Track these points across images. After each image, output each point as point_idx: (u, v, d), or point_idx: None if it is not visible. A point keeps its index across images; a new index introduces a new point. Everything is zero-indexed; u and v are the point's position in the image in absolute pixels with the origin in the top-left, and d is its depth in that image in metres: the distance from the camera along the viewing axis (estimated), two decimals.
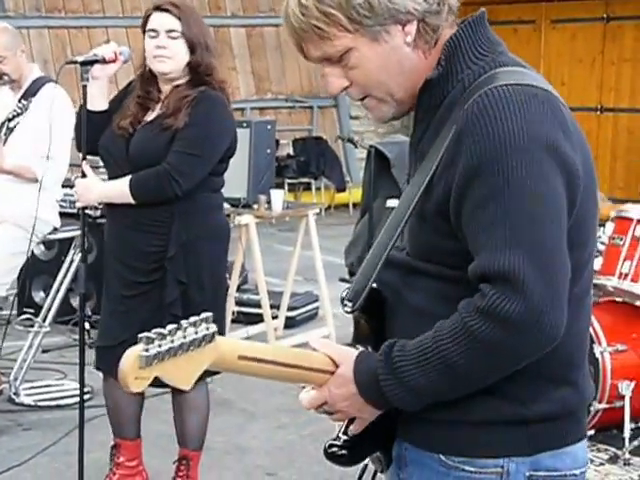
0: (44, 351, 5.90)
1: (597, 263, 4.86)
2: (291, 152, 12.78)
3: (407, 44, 1.80)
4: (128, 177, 3.68)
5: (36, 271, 6.52)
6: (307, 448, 4.63)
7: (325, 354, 1.81)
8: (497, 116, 1.68)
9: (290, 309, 6.80)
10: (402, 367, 1.73)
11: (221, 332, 3.82)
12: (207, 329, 1.64)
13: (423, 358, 1.72)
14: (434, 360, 1.70)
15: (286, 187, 12.37)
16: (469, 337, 1.67)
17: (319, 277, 6.63)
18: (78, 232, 5.25)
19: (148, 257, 3.73)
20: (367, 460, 1.94)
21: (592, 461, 4.67)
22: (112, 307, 3.81)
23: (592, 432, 4.83)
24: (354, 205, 11.75)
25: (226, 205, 5.94)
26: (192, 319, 1.63)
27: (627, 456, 4.62)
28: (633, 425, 4.74)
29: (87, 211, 3.95)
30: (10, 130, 4.92)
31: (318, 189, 12.72)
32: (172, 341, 1.60)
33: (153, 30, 3.69)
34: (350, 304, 1.85)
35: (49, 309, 5.45)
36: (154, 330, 1.58)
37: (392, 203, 5.64)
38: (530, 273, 1.65)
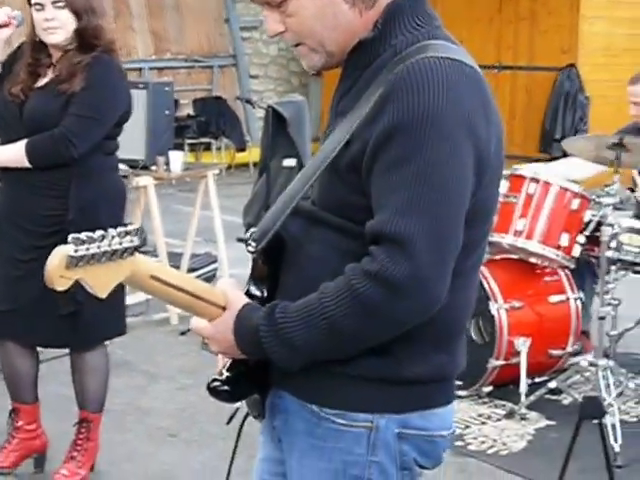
0: None
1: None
2: (191, 112, 12.67)
3: (345, 1, 1.85)
4: (23, 141, 3.67)
5: None
6: (208, 409, 4.62)
7: (223, 290, 1.88)
8: (424, 86, 1.73)
9: (190, 270, 6.77)
10: (285, 326, 1.77)
11: (119, 295, 3.80)
12: (131, 242, 1.69)
13: (307, 318, 1.75)
14: (318, 320, 1.74)
15: (186, 147, 12.27)
16: (354, 299, 1.71)
17: (218, 238, 6.61)
18: None
19: (46, 220, 3.71)
20: (239, 404, 1.99)
21: (490, 417, 4.79)
22: (7, 272, 3.77)
23: (490, 388, 4.95)
24: (254, 164, 11.72)
25: (124, 167, 5.88)
26: (120, 229, 1.68)
27: (523, 411, 4.73)
28: (529, 381, 4.84)
29: None
30: None
31: (218, 149, 12.65)
32: (99, 247, 1.65)
33: (38, 4, 3.68)
34: (254, 244, 1.88)
35: None
36: (84, 233, 1.64)
37: (289, 162, 5.64)
38: (422, 241, 1.69)
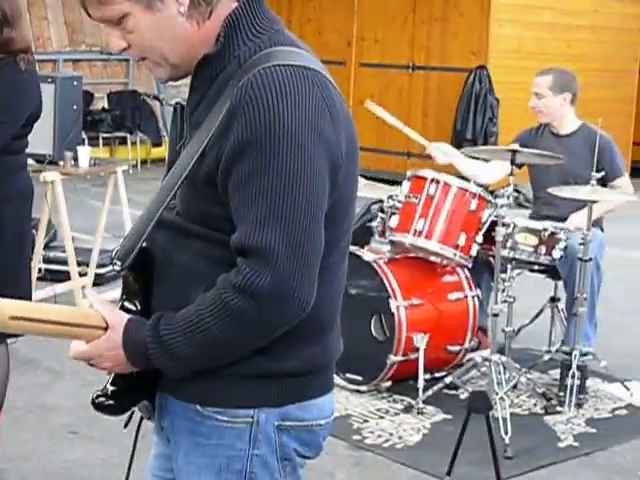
0: None
1: (394, 221, 5.06)
2: (106, 106, 12.59)
3: (181, 14, 1.87)
4: None
5: None
6: None
7: (98, 312, 1.90)
8: (268, 96, 1.78)
9: (99, 266, 6.78)
10: (169, 339, 1.83)
11: (27, 292, 3.82)
12: None
13: (188, 331, 1.82)
14: (197, 333, 1.81)
15: (101, 141, 12.16)
16: (226, 311, 1.79)
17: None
18: None
19: None
20: (134, 408, 2.03)
21: (387, 412, 4.89)
22: None
23: (389, 384, 5.06)
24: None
25: (31, 161, 5.87)
26: None
27: (420, 405, 4.85)
28: (428, 376, 4.97)
29: None
30: None
31: (134, 143, 12.60)
32: None
33: None
34: (119, 263, 1.93)
35: None
36: None
37: None
38: (282, 250, 1.76)
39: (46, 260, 6.69)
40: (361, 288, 5.06)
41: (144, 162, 12.25)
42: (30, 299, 3.93)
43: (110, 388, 1.95)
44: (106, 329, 1.89)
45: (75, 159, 6.21)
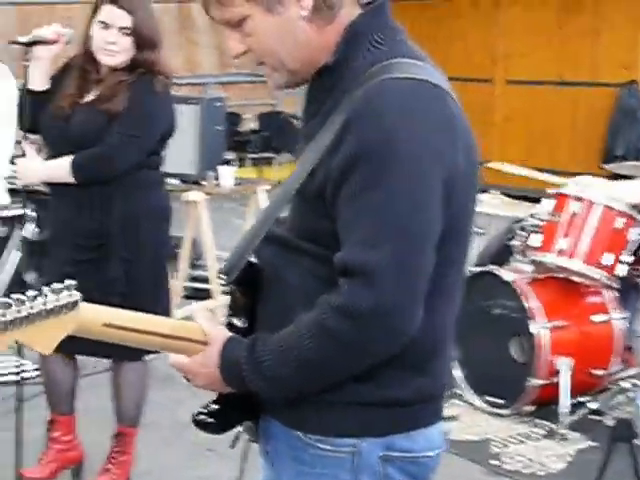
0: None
1: (535, 239, 4.92)
2: (254, 127, 12.75)
3: (302, 17, 1.81)
4: (69, 157, 3.73)
5: None
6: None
7: (201, 327, 1.87)
8: (383, 110, 1.71)
9: None
10: (263, 360, 1.77)
11: (166, 308, 3.87)
12: (69, 296, 1.69)
13: (283, 352, 1.76)
14: (291, 354, 1.75)
15: (249, 162, 12.31)
16: (324, 333, 1.72)
17: None
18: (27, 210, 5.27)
19: (89, 234, 3.77)
20: (240, 428, 2.00)
21: (529, 437, 4.75)
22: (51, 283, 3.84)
23: (531, 408, 4.92)
24: None
25: (176, 181, 5.97)
26: (54, 286, 1.68)
27: (563, 431, 4.69)
28: (573, 401, 4.80)
29: (38, 187, 4.05)
30: None
31: (280, 164, 12.71)
32: (31, 307, 1.65)
33: (104, 23, 3.72)
34: (225, 277, 1.89)
35: None
36: (14, 296, 1.64)
37: None
38: (388, 272, 1.68)
39: (191, 279, 6.79)
40: (500, 308, 4.94)
41: None
42: (169, 316, 3.97)
43: (213, 406, 1.92)
44: (205, 345, 1.85)
45: (217, 178, 6.28)
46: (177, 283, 6.24)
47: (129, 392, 3.95)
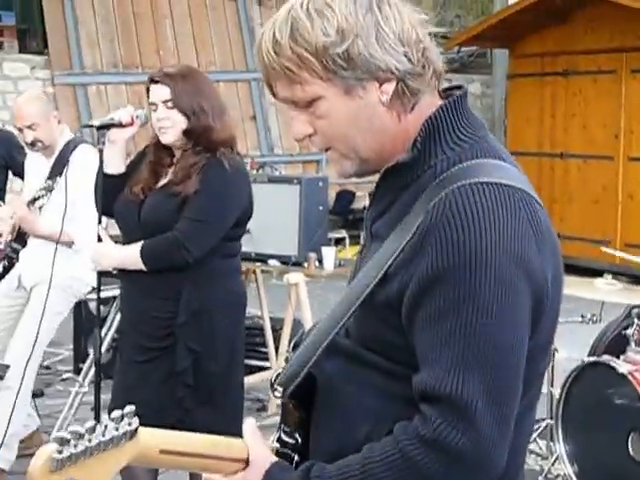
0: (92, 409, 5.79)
1: None
2: (367, 205, 12.62)
3: (382, 103, 1.67)
4: (139, 244, 3.64)
5: (91, 326, 6.45)
6: None
7: (245, 444, 1.71)
8: (467, 221, 1.55)
9: None
10: None
11: (239, 404, 3.67)
12: (129, 424, 1.55)
13: None
14: None
15: (363, 241, 12.18)
16: (407, 468, 1.54)
17: None
18: (118, 290, 5.20)
19: (159, 323, 3.66)
20: None
21: None
22: (123, 372, 3.73)
23: None
24: None
25: (276, 263, 5.82)
26: (114, 414, 1.53)
27: None
28: None
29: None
30: (39, 208, 4.93)
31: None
32: (89, 440, 1.50)
33: (152, 103, 3.68)
34: (280, 390, 1.73)
35: (89, 368, 5.32)
36: (71, 428, 1.48)
37: None
38: (481, 403, 1.52)
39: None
40: (616, 401, 4.59)
41: None
42: (239, 406, 3.77)
43: None
44: (247, 464, 1.68)
45: (320, 260, 6.10)
46: (277, 366, 6.05)
47: None
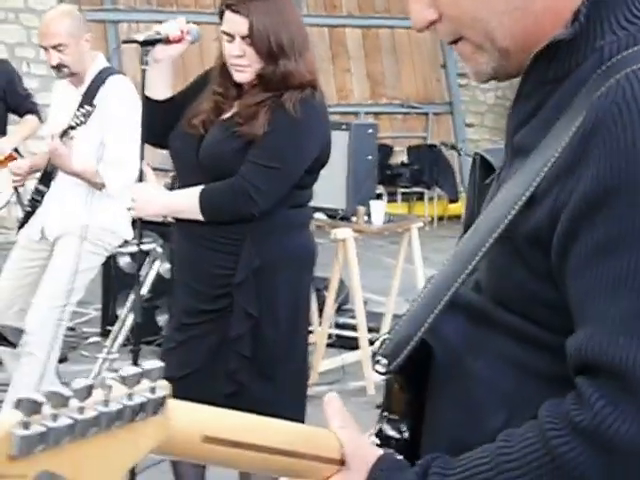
0: None
1: None
2: (405, 160, 12.22)
3: None
4: (198, 189, 3.11)
5: (121, 285, 5.92)
6: None
7: (335, 436, 1.22)
8: None
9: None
10: None
11: (301, 376, 3.22)
12: (152, 391, 0.97)
13: None
14: None
15: (399, 197, 11.83)
16: (555, 469, 1.10)
17: None
18: (153, 245, 4.71)
19: (214, 280, 3.14)
20: None
21: None
22: (171, 336, 3.28)
23: None
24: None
25: (322, 216, 5.33)
26: (129, 370, 0.97)
27: None
28: None
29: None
30: (71, 138, 4.36)
31: (431, 199, 12.09)
32: (80, 410, 0.90)
33: (227, 33, 3.10)
34: (384, 362, 1.25)
35: (118, 332, 4.75)
36: (52, 388, 0.91)
37: None
38: None
39: (337, 325, 6.14)
40: None
41: (440, 219, 11.69)
42: (304, 377, 3.31)
43: None
44: (341, 464, 1.21)
45: (368, 215, 5.61)
46: (321, 330, 5.61)
47: None
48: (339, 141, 5.17)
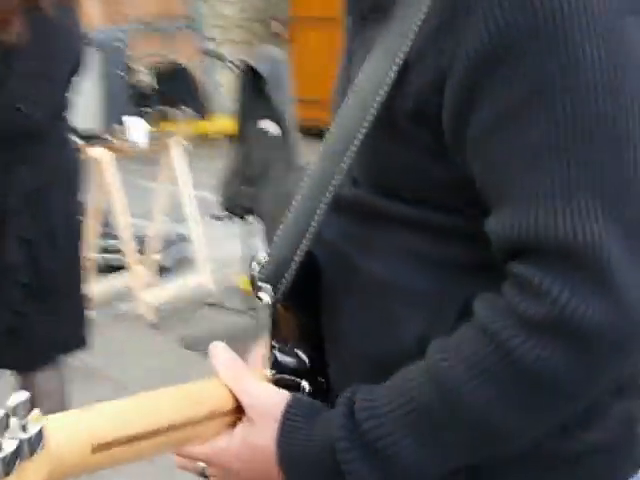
0: None
1: None
2: (148, 79, 11.90)
3: None
4: None
5: None
6: None
7: (226, 388, 1.08)
8: None
9: (158, 254, 5.97)
10: (381, 435, 0.98)
11: (82, 303, 3.04)
12: (24, 429, 0.90)
13: (422, 415, 0.98)
14: (440, 410, 0.97)
15: (143, 117, 11.54)
16: (513, 373, 0.94)
17: (189, 215, 5.81)
18: None
19: None
20: None
21: None
22: None
23: None
24: (217, 134, 11.06)
25: (75, 138, 5.07)
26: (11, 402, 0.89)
27: None
28: None
29: None
30: None
31: (178, 118, 11.89)
32: None
33: None
34: (270, 290, 1.09)
35: None
36: None
37: (268, 126, 4.86)
38: (618, 248, 0.91)
39: (101, 250, 5.93)
40: None
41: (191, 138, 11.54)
42: (81, 306, 3.13)
43: None
44: (240, 411, 1.06)
45: (127, 134, 5.38)
46: (87, 255, 5.37)
47: (46, 403, 3.08)
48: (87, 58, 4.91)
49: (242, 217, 5.20)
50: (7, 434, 0.89)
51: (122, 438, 0.99)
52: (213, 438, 1.07)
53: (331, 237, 1.11)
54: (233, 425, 1.07)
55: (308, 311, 1.13)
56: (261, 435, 1.05)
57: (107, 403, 1.02)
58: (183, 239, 6.37)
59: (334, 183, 1.05)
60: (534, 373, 0.93)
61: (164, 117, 12.45)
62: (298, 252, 1.07)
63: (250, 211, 5.19)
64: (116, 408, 1.02)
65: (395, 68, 0.99)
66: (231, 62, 5.27)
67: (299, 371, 1.12)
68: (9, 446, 0.88)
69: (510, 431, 0.97)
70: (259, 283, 1.10)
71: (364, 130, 1.02)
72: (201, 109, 13.76)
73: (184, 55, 12.34)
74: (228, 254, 6.10)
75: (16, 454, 0.89)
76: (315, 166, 1.09)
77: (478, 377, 0.94)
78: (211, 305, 5.49)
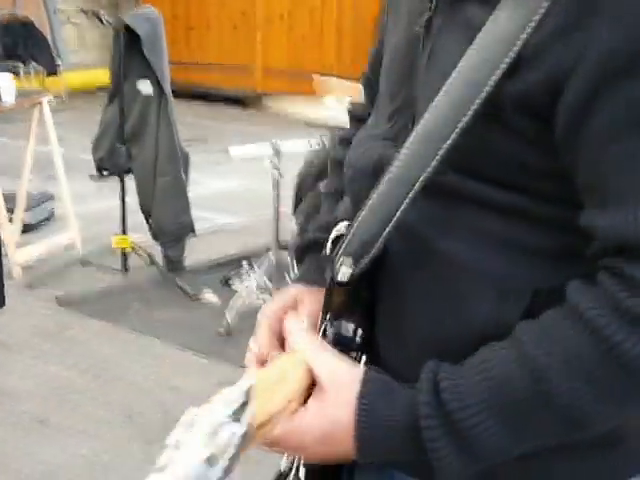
0: None
1: None
2: None
3: None
4: None
5: None
6: (86, 384, 3.87)
7: (302, 363, 1.08)
8: None
9: (26, 211, 5.86)
10: (464, 413, 1.01)
11: None
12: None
13: (508, 391, 1.01)
14: (531, 399, 1.00)
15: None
16: (609, 357, 0.97)
17: (59, 174, 5.69)
18: None
19: None
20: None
21: None
22: None
23: None
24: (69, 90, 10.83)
25: None
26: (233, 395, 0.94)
27: None
28: None
29: None
30: None
31: (28, 74, 11.56)
32: None
33: None
34: (351, 262, 1.10)
35: None
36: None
37: (144, 86, 4.84)
38: None
39: None
40: None
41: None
42: None
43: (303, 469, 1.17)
44: (309, 391, 1.07)
45: None
46: None
47: None
48: None
49: (118, 175, 5.17)
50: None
51: (273, 415, 1.02)
52: (288, 414, 1.06)
53: (411, 220, 1.09)
54: (304, 402, 1.07)
55: (368, 288, 1.14)
56: (338, 409, 1.05)
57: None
58: (50, 197, 6.26)
59: (429, 170, 1.04)
60: (634, 368, 0.96)
61: (13, 72, 12.08)
62: (384, 233, 1.07)
63: (125, 169, 5.17)
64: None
65: (508, 60, 0.99)
66: (107, 20, 5.22)
67: (351, 345, 1.13)
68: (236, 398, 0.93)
69: (597, 421, 1.01)
70: (341, 257, 1.10)
71: (467, 119, 1.02)
72: (50, 65, 13.41)
73: (30, 11, 11.99)
74: (101, 212, 6.07)
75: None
76: (408, 149, 1.07)
77: (575, 368, 0.97)
78: (85, 263, 5.43)
